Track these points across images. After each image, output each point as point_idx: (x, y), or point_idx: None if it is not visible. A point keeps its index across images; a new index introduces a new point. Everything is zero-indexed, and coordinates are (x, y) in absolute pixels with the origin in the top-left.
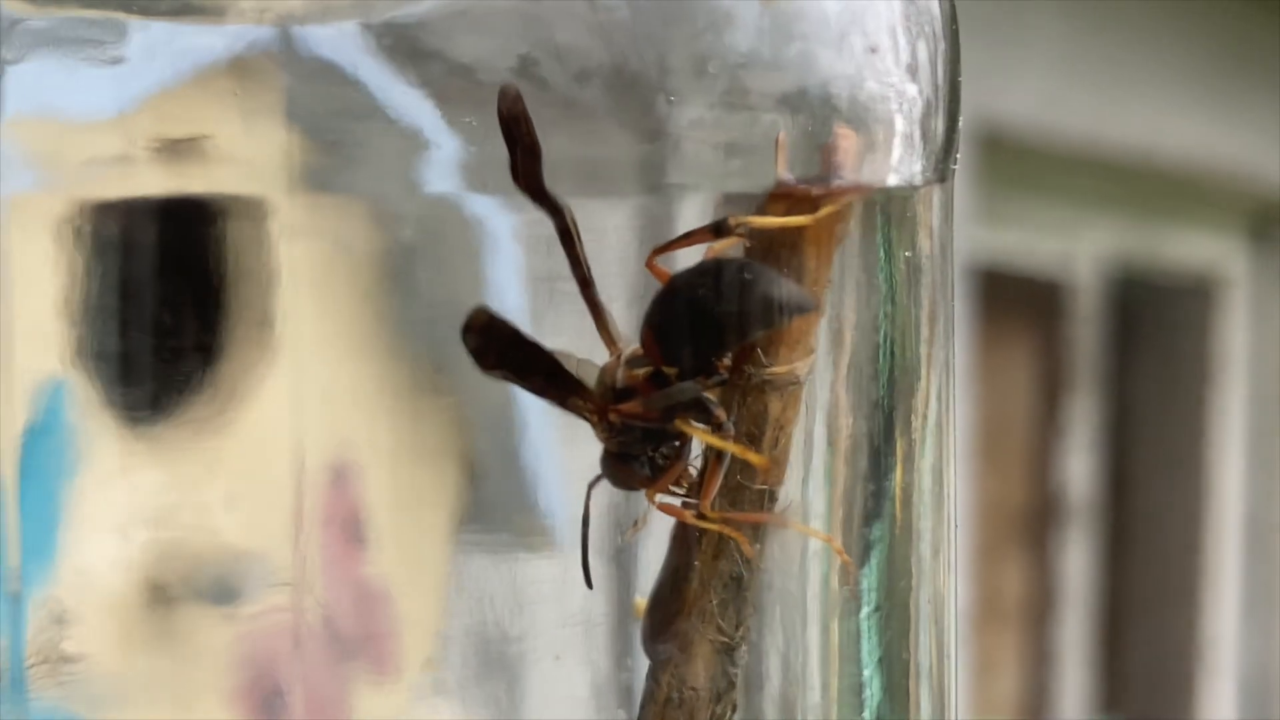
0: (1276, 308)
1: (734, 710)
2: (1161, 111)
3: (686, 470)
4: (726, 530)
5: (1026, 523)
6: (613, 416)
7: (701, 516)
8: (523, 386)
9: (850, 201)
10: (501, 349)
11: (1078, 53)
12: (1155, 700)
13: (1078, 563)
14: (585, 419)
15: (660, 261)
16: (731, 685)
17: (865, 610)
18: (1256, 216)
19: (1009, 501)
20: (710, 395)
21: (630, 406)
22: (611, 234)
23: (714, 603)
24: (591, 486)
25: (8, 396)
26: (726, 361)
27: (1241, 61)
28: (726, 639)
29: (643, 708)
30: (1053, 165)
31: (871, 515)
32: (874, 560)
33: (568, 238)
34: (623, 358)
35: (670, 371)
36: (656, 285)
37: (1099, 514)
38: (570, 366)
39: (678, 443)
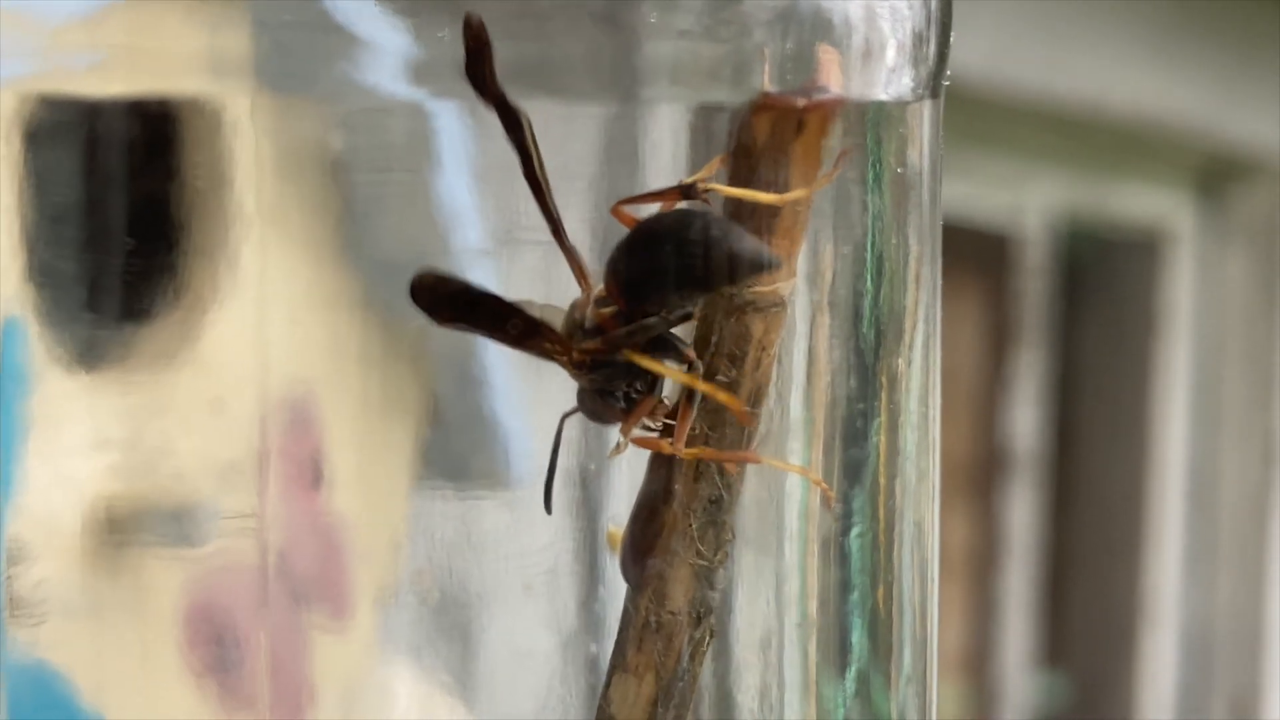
0: (1222, 263)
1: (712, 635)
2: (1110, 65)
3: (661, 403)
4: (706, 453)
5: (971, 475)
6: (578, 356)
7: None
8: (484, 336)
9: (832, 117)
10: (454, 304)
11: (1027, 5)
12: (1097, 652)
13: (1022, 515)
14: (554, 360)
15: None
16: (710, 609)
17: (855, 530)
18: (1204, 172)
19: (954, 453)
20: (677, 333)
21: (593, 344)
22: (580, 142)
23: (693, 526)
24: (565, 418)
25: None
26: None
27: (1190, 16)
28: (705, 562)
29: (621, 632)
30: (1001, 118)
31: (859, 436)
32: (862, 481)
33: (524, 150)
34: (592, 295)
35: (635, 311)
36: (621, 192)
37: (1044, 467)
38: (533, 312)
39: (650, 376)
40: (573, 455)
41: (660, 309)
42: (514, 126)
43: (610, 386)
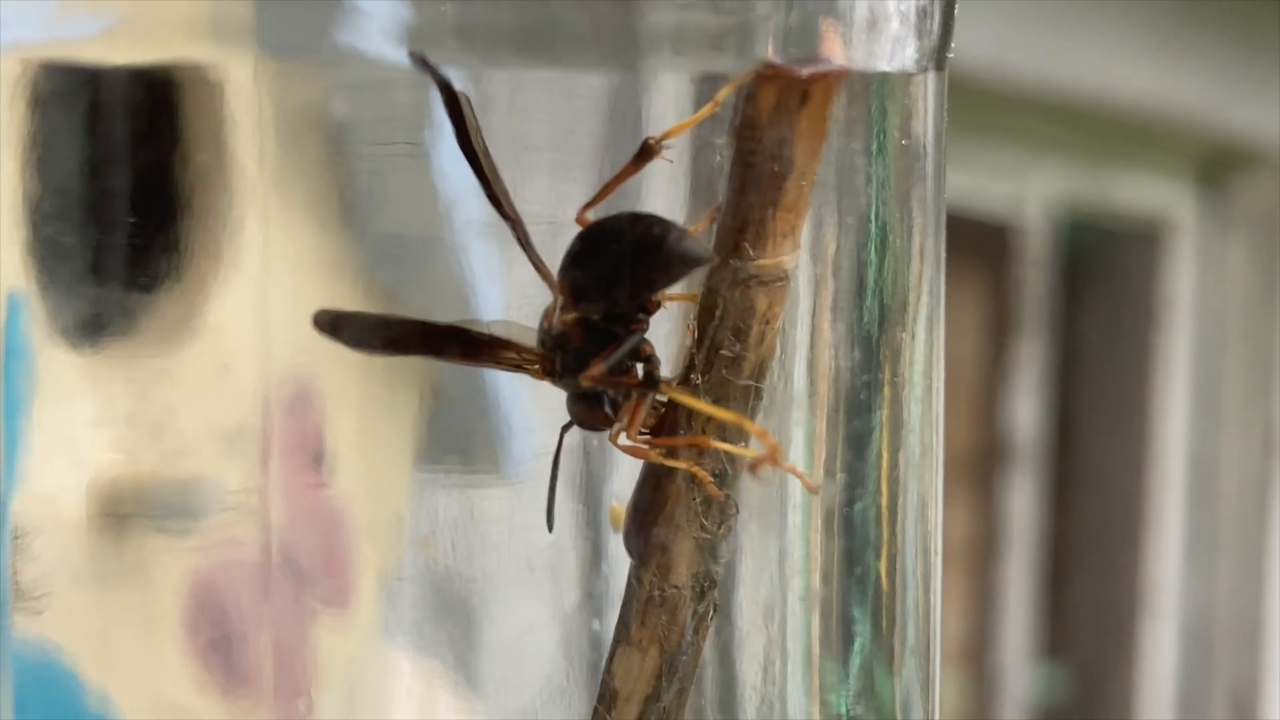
0: (1223, 254)
1: (715, 609)
2: (1112, 56)
3: (652, 407)
4: (695, 470)
5: (972, 465)
6: (585, 383)
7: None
8: (437, 359)
9: (836, 88)
10: (378, 335)
11: None
12: (1097, 642)
13: (1022, 505)
14: (525, 373)
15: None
16: (714, 583)
17: (859, 503)
18: (1205, 162)
19: (955, 443)
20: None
21: (597, 372)
22: (584, 113)
23: (697, 499)
24: (564, 431)
25: None
26: (656, 300)
27: (1192, 6)
28: (709, 535)
29: (624, 606)
30: (1003, 108)
31: (863, 408)
32: (865, 454)
33: (461, 124)
34: (558, 302)
35: (594, 315)
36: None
37: (1044, 457)
38: (480, 329)
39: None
40: (575, 431)
41: (612, 310)
42: (447, 92)
43: (590, 392)
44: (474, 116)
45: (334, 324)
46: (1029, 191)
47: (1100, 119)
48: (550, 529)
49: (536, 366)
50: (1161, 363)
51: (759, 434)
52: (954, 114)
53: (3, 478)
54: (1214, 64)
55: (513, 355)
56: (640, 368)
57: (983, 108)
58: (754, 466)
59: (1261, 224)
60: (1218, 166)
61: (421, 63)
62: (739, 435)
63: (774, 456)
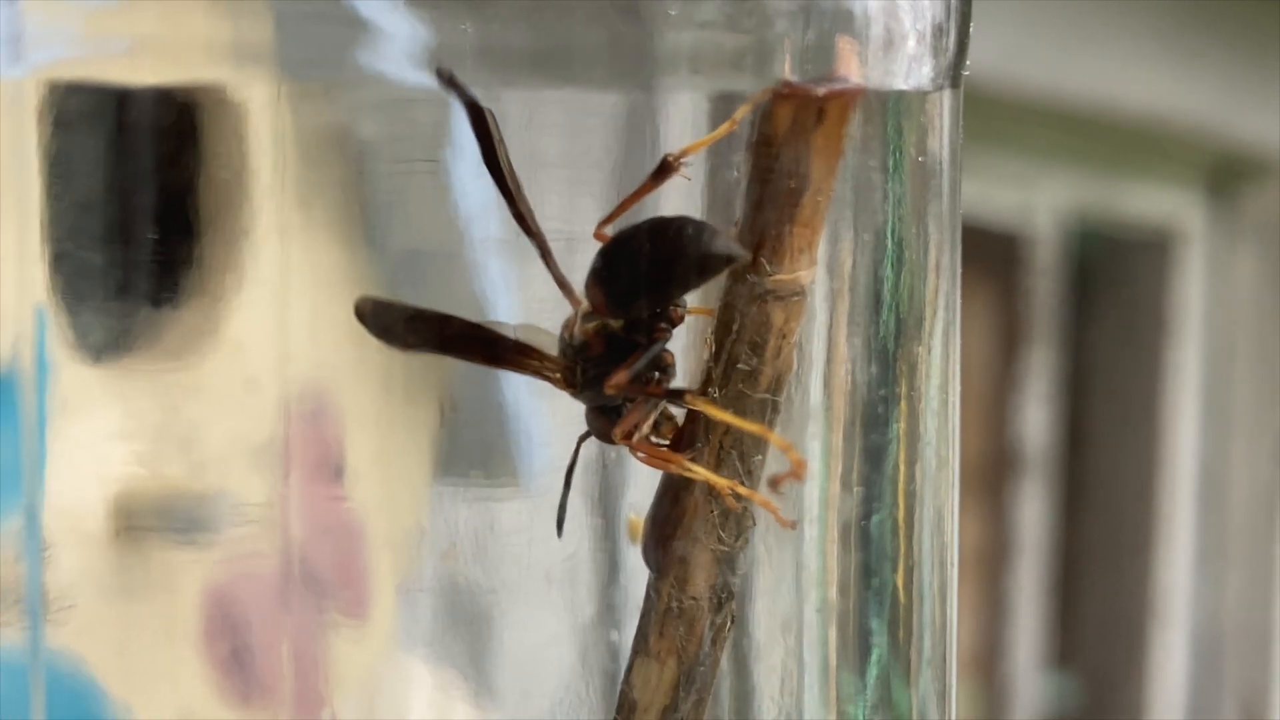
0: (1233, 263)
1: (733, 620)
2: (1121, 64)
3: (670, 420)
4: (713, 479)
5: (982, 474)
6: (610, 390)
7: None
8: (460, 358)
9: (852, 106)
10: (410, 329)
11: (1037, 4)
12: (1108, 651)
13: (1033, 514)
14: (546, 379)
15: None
16: (731, 595)
17: (876, 516)
18: (1215, 171)
19: (965, 452)
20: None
21: (622, 380)
22: (601, 131)
23: (715, 512)
24: (581, 441)
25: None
26: (681, 309)
27: (1200, 15)
28: (727, 548)
29: (643, 618)
30: (1012, 117)
31: (879, 422)
32: (882, 467)
33: (487, 140)
34: (579, 312)
35: (616, 325)
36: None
37: (1055, 466)
38: (506, 333)
39: (643, 387)
40: (592, 443)
41: (641, 316)
42: (474, 111)
43: (609, 403)
44: (499, 133)
45: (371, 311)
46: (1038, 201)
47: (1109, 128)
48: (560, 535)
49: (558, 375)
50: (1171, 371)
51: (784, 447)
52: (963, 123)
53: (33, 491)
54: (1223, 73)
55: (535, 362)
56: (660, 376)
57: (992, 117)
58: (775, 481)
59: (1270, 232)
60: (1227, 175)
61: (449, 80)
62: (757, 448)
63: (798, 472)
